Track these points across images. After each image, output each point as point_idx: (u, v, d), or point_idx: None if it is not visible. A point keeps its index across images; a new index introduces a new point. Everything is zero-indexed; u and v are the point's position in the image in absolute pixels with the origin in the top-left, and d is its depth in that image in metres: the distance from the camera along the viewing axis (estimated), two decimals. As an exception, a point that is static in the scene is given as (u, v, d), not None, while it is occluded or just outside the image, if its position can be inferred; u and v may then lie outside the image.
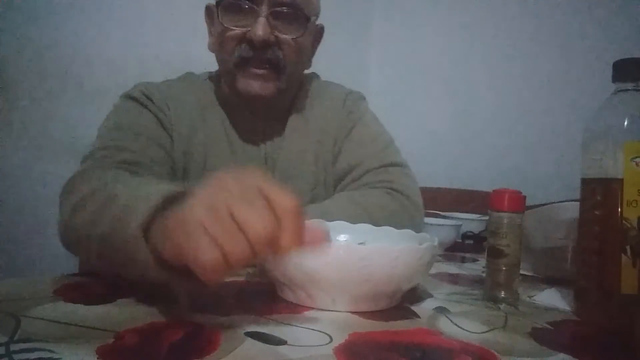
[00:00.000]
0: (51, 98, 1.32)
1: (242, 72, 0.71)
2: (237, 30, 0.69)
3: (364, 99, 0.90)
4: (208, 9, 0.77)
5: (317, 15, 0.77)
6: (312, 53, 0.82)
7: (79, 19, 1.37)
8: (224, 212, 0.33)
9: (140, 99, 0.73)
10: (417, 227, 0.68)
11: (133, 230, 0.39)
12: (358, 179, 0.78)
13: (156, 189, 0.41)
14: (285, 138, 0.80)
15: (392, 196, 0.74)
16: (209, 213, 0.33)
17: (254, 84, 0.71)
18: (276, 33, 0.69)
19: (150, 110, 0.73)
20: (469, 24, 2.05)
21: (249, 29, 0.69)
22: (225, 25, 0.70)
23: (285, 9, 0.69)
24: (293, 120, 0.81)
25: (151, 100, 0.74)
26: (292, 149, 0.80)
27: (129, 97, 0.74)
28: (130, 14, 1.46)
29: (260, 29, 0.67)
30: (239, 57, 0.70)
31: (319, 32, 0.82)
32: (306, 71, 0.84)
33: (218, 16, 0.70)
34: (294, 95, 0.83)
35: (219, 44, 0.73)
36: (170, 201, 0.39)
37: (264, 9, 0.68)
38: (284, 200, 0.35)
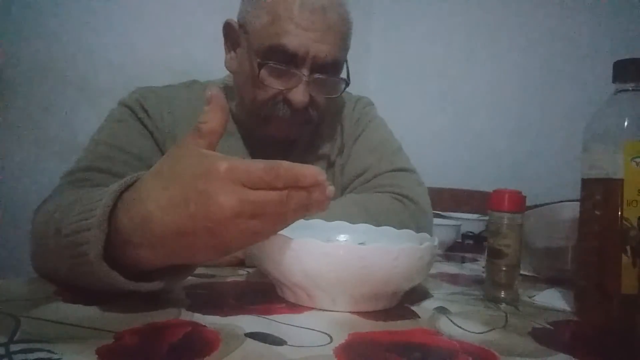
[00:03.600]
0: (51, 98, 1.32)
1: (275, 121, 0.71)
2: (275, 89, 0.69)
3: (372, 104, 0.90)
4: (229, 25, 0.75)
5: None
6: None
7: (79, 19, 1.37)
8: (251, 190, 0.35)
9: (135, 109, 0.72)
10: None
11: (94, 261, 0.38)
12: (366, 183, 0.78)
13: (101, 203, 0.39)
14: (295, 150, 0.80)
15: (400, 201, 0.73)
16: (242, 190, 0.35)
17: (285, 131, 0.73)
18: (316, 97, 0.70)
19: (144, 125, 0.72)
20: (469, 24, 2.06)
21: (289, 91, 0.69)
22: (266, 83, 0.69)
23: (325, 76, 0.69)
24: (304, 132, 0.81)
25: (146, 113, 0.73)
26: (301, 158, 0.79)
27: (125, 105, 0.73)
28: (131, 14, 1.46)
29: (300, 94, 0.68)
30: (274, 112, 0.70)
31: None
32: None
33: (258, 76, 0.68)
34: None
35: (250, 84, 0.71)
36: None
37: (304, 72, 0.67)
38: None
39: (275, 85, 0.69)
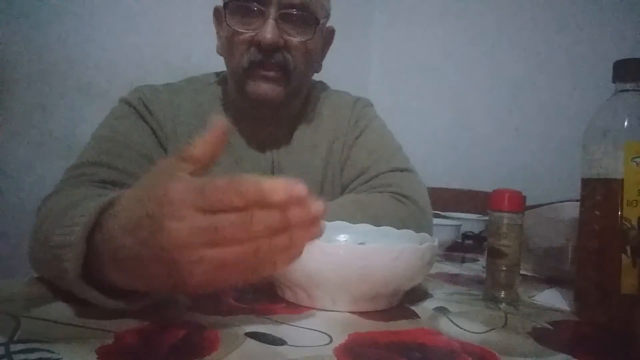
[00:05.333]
0: (51, 98, 1.32)
1: (252, 76, 0.70)
2: (246, 34, 0.68)
3: (372, 105, 0.89)
4: (216, 11, 0.76)
5: (327, 18, 0.76)
6: (322, 56, 0.81)
7: (79, 19, 1.37)
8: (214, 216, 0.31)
9: (137, 106, 0.73)
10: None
11: (72, 281, 0.37)
12: (366, 183, 0.78)
13: (81, 221, 0.37)
14: (293, 146, 0.80)
15: (400, 201, 0.73)
16: (200, 217, 0.31)
17: (263, 87, 0.70)
18: (285, 36, 0.68)
19: (145, 121, 0.72)
20: (469, 24, 2.05)
21: (257, 32, 0.67)
22: (233, 28, 0.69)
23: (294, 12, 0.68)
24: (301, 129, 0.81)
25: (148, 110, 0.73)
26: (299, 157, 0.79)
27: (126, 102, 0.73)
28: (131, 14, 1.46)
29: (268, 31, 0.66)
30: (248, 61, 0.69)
31: (330, 34, 0.80)
32: (314, 78, 0.83)
33: (225, 19, 0.69)
34: (302, 102, 0.82)
35: (227, 48, 0.72)
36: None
37: (272, 11, 0.67)
38: (280, 186, 0.32)
39: (243, 27, 0.68)
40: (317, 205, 0.33)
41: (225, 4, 0.69)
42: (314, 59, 0.76)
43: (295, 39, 0.69)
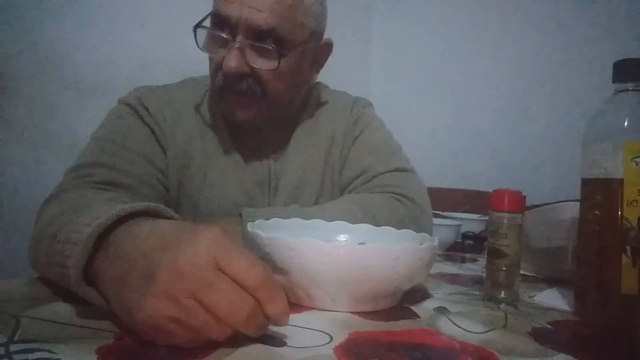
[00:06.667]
0: (51, 98, 1.32)
1: (223, 99, 0.70)
2: (216, 57, 0.68)
3: (371, 105, 0.89)
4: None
5: (313, 35, 0.72)
6: (316, 70, 0.79)
7: (79, 19, 1.37)
8: (190, 301, 0.32)
9: (136, 107, 0.73)
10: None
11: (74, 281, 0.38)
12: (365, 183, 0.77)
13: (89, 228, 0.38)
14: (291, 149, 0.79)
15: (400, 202, 0.73)
16: (174, 306, 0.31)
17: (234, 111, 0.70)
18: (251, 64, 0.66)
19: (145, 122, 0.72)
20: (469, 24, 2.06)
21: (221, 56, 0.66)
22: (203, 50, 0.68)
23: (259, 43, 0.65)
24: (300, 130, 0.80)
25: (147, 111, 0.73)
26: (298, 160, 0.79)
27: (125, 103, 0.73)
28: (131, 14, 1.46)
29: (232, 60, 0.65)
30: (218, 85, 0.69)
31: (324, 48, 0.77)
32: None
33: (196, 41, 0.67)
34: (301, 104, 0.82)
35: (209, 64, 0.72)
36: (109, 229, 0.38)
37: (239, 39, 0.65)
38: (249, 271, 0.33)
39: (211, 53, 0.68)
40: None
41: (194, 28, 0.67)
42: (294, 80, 0.73)
43: (261, 68, 0.67)
